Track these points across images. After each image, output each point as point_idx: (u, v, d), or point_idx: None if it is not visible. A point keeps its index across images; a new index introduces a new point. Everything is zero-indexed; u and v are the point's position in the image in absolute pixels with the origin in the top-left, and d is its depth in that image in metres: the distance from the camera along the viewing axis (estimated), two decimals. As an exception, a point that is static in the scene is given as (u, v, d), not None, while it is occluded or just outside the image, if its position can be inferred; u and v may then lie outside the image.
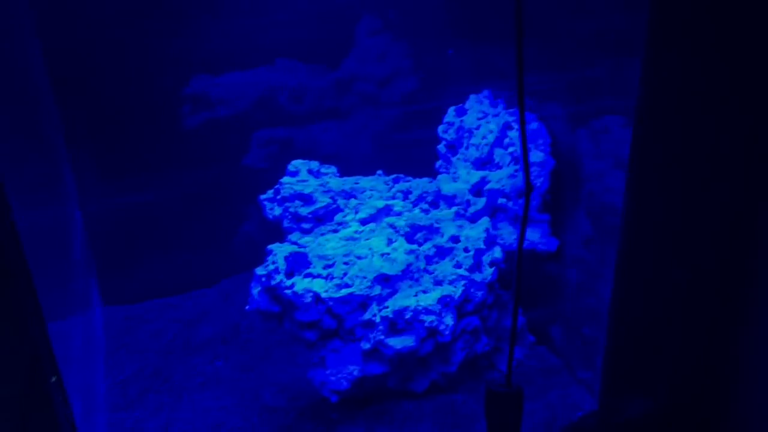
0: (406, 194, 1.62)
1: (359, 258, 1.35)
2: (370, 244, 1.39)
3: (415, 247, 1.37)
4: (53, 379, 0.94)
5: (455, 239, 1.39)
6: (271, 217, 1.66)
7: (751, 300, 1.33)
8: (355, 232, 1.44)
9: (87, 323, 1.54)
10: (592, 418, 1.46)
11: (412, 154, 1.84)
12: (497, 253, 1.40)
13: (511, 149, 1.44)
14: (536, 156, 1.38)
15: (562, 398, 1.47)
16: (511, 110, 1.46)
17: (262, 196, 1.67)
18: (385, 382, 1.39)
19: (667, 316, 1.39)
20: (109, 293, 1.82)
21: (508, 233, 1.44)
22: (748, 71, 1.14)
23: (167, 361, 1.61)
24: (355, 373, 1.33)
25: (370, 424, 1.39)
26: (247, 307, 1.35)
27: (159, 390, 1.52)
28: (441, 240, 1.38)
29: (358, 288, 1.30)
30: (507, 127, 1.45)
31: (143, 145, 1.80)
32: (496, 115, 1.52)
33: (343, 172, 1.75)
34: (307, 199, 1.60)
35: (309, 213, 1.60)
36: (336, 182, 1.66)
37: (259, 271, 1.32)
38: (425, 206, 1.57)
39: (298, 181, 1.64)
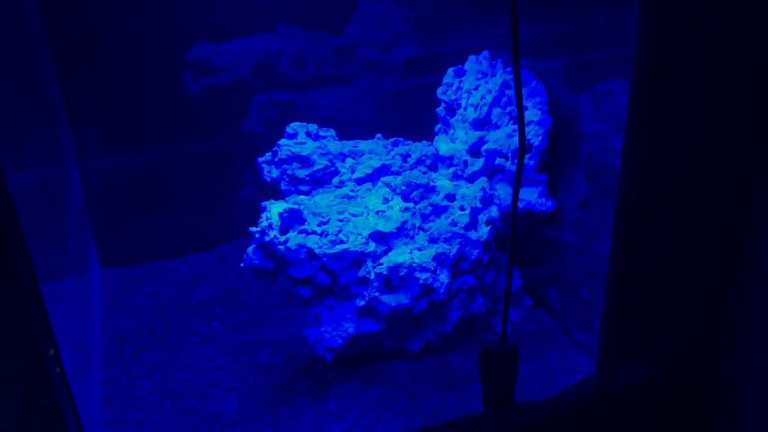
0: (405, 157, 1.61)
1: (354, 216, 1.34)
2: (365, 202, 1.38)
3: (411, 205, 1.36)
4: (51, 352, 0.94)
5: (451, 197, 1.38)
6: (269, 179, 1.65)
7: (751, 265, 1.31)
8: (351, 190, 1.43)
9: (84, 284, 1.54)
10: (591, 382, 1.45)
11: (413, 119, 1.83)
12: (494, 212, 1.38)
13: (509, 108, 1.42)
14: (534, 114, 1.36)
15: (560, 361, 1.47)
16: (509, 69, 1.44)
17: (260, 159, 1.66)
18: (380, 340, 1.38)
19: (667, 281, 1.37)
20: (107, 255, 1.82)
21: (505, 193, 1.43)
22: (749, 22, 1.12)
23: (164, 321, 1.61)
24: (350, 330, 1.32)
25: (364, 384, 1.39)
26: (241, 265, 1.34)
27: (155, 349, 1.52)
28: (437, 198, 1.37)
29: (353, 244, 1.29)
30: (505, 85, 1.43)
31: (144, 108, 1.80)
32: (494, 76, 1.50)
33: (343, 137, 1.73)
34: (305, 161, 1.59)
35: (307, 175, 1.59)
36: (334, 145, 1.65)
37: (254, 228, 1.31)
38: (423, 169, 1.56)
39: (296, 143, 1.63)
